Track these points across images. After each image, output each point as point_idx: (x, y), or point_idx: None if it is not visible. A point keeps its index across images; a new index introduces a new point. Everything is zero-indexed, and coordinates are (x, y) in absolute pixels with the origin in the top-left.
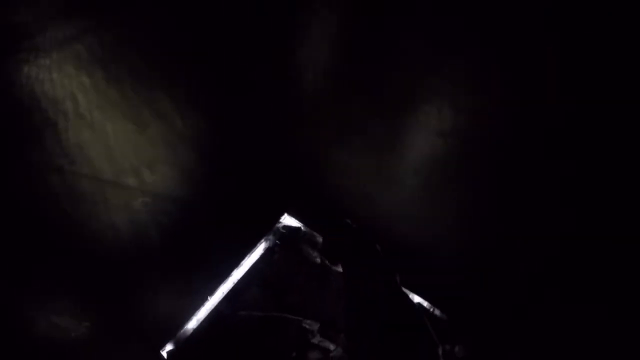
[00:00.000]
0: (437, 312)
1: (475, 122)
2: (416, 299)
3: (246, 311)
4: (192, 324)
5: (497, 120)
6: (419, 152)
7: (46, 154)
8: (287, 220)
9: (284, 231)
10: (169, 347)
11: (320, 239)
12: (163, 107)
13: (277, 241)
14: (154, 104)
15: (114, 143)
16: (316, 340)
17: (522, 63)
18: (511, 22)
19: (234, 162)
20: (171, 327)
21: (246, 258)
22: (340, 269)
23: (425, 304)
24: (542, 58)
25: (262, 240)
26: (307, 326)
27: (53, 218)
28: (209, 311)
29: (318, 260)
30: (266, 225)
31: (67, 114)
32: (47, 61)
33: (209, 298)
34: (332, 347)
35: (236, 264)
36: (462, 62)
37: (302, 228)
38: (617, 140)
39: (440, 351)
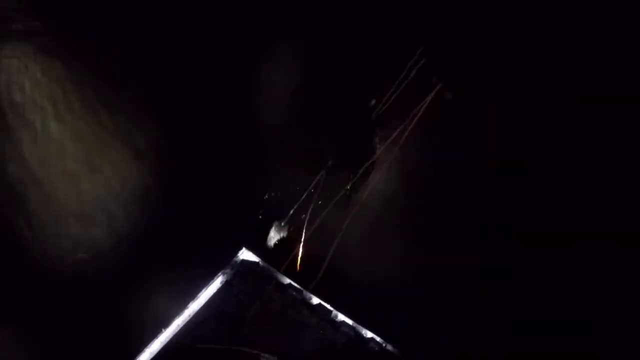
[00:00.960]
0: (389, 347)
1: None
2: (368, 334)
3: (204, 344)
4: (145, 356)
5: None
6: (373, 193)
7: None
8: (245, 254)
9: (241, 265)
10: None
11: (277, 274)
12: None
13: (235, 275)
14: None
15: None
16: None
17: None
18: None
19: (194, 197)
20: None
21: (203, 291)
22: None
23: (377, 339)
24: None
25: (220, 273)
26: None
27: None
28: (163, 344)
29: (275, 294)
30: (224, 259)
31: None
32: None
33: (163, 330)
34: None
35: (192, 296)
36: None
37: (260, 263)
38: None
39: None
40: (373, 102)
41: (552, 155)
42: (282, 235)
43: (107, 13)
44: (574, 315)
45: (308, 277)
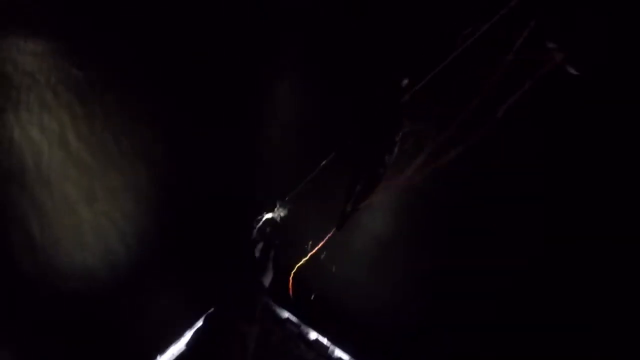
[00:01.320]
0: None
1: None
2: None
3: None
4: None
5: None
6: (374, 224)
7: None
8: None
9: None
10: None
11: (276, 307)
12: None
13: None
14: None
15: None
16: None
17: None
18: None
19: (194, 222)
20: None
21: (200, 320)
22: None
23: None
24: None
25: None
26: None
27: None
28: None
29: (274, 328)
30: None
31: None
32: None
33: (158, 357)
34: None
35: (189, 325)
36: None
37: None
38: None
39: None
40: (405, 82)
41: (553, 155)
42: (283, 211)
43: (109, 15)
44: (574, 315)
45: (306, 300)
